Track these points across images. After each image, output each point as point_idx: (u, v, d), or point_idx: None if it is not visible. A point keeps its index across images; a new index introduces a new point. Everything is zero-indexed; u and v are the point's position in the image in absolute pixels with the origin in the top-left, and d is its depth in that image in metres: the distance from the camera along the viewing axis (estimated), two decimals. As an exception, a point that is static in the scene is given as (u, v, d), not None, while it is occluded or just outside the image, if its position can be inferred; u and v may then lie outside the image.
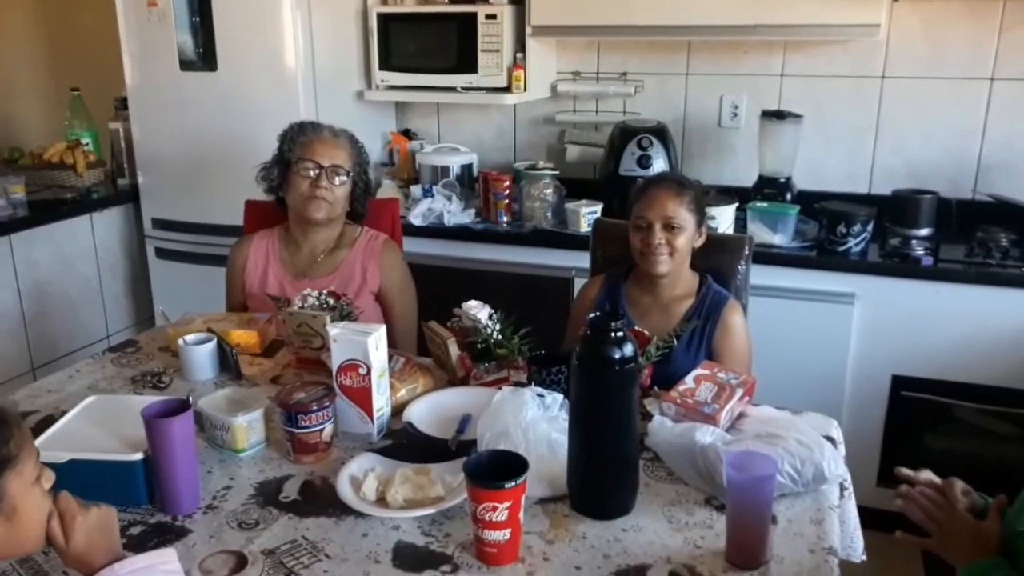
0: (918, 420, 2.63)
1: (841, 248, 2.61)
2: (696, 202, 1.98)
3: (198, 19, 2.92)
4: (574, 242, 2.76)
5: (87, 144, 3.39)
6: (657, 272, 1.97)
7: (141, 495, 1.38)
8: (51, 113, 3.66)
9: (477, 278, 2.89)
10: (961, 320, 2.49)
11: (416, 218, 2.97)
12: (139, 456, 1.36)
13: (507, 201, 2.97)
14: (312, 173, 2.16)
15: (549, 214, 2.93)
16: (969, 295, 2.48)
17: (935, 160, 2.90)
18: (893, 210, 2.75)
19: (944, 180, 2.85)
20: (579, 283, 2.57)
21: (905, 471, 1.42)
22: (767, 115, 2.90)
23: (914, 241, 2.65)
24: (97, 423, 1.48)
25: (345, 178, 2.20)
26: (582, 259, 2.44)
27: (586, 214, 2.82)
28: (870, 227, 2.62)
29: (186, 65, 2.98)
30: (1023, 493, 1.32)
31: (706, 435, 1.45)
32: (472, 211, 3.04)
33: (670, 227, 1.94)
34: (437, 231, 2.96)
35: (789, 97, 3.01)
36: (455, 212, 2.99)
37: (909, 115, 2.91)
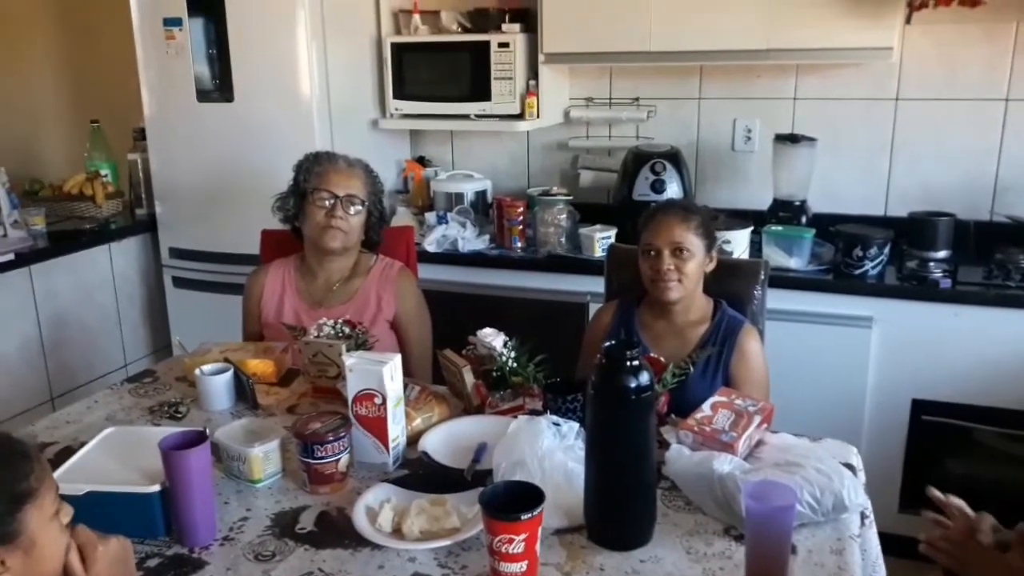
0: (939, 445, 2.60)
1: (858, 271, 2.60)
2: (704, 227, 1.98)
3: (215, 51, 2.97)
4: (589, 267, 2.76)
5: (106, 175, 3.42)
6: (668, 299, 1.96)
7: (158, 527, 1.38)
8: (72, 144, 3.71)
9: (492, 304, 2.89)
10: (981, 343, 2.47)
11: (431, 245, 2.98)
12: (156, 488, 1.37)
13: (521, 227, 2.98)
14: (327, 203, 2.18)
15: (563, 239, 2.93)
16: (989, 317, 2.46)
17: (951, 181, 2.89)
18: (910, 232, 2.73)
19: (961, 202, 2.84)
20: (594, 308, 2.56)
21: (936, 494, 1.40)
22: (781, 138, 2.90)
23: (932, 263, 2.63)
24: (115, 455, 1.49)
25: (360, 207, 2.21)
26: (597, 284, 2.44)
27: (600, 239, 2.83)
28: (887, 250, 2.61)
29: (203, 96, 3.02)
30: None
31: (724, 464, 1.43)
32: (486, 237, 3.05)
33: (679, 253, 1.93)
34: (452, 258, 2.97)
35: (802, 120, 3.01)
36: (469, 238, 3.00)
37: (924, 137, 2.90)
